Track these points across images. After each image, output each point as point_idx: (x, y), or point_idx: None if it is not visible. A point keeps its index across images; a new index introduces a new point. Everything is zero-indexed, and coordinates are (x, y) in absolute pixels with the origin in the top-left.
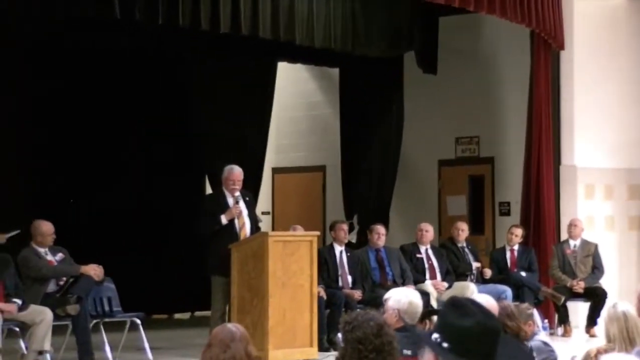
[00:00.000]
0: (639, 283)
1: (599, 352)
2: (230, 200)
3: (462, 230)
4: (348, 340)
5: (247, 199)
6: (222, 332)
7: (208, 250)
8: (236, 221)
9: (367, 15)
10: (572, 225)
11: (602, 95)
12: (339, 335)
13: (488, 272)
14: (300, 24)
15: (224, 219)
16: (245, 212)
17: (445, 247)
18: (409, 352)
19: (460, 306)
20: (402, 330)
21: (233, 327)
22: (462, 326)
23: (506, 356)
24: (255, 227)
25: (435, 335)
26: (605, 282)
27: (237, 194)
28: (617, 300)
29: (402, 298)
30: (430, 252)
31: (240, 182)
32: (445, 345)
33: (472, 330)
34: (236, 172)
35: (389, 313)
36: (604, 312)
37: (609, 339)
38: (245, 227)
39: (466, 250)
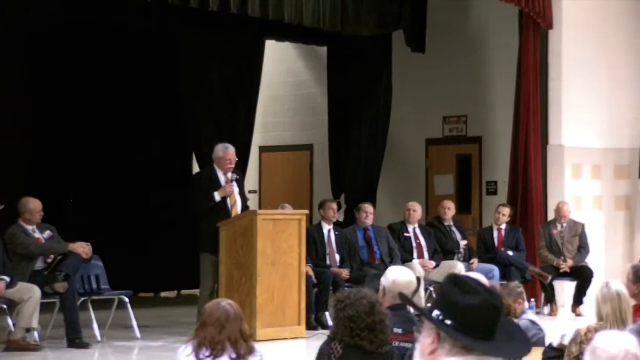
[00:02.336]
0: (626, 263)
1: (589, 331)
2: (223, 178)
3: (449, 209)
4: (340, 318)
5: (238, 177)
6: (217, 311)
7: (199, 227)
8: (228, 199)
9: None
10: (559, 210)
11: (590, 75)
12: (327, 314)
13: (475, 263)
14: (289, 2)
15: (217, 197)
16: (236, 190)
17: (433, 226)
18: (399, 331)
19: (463, 284)
20: (393, 309)
21: (228, 305)
22: (467, 304)
23: (505, 332)
24: (245, 205)
25: (436, 313)
26: (591, 262)
27: (230, 173)
28: (604, 279)
29: (388, 276)
30: (418, 231)
31: (235, 161)
32: (448, 322)
33: (478, 308)
34: (232, 151)
35: (380, 291)
36: (592, 292)
37: (601, 318)
38: (236, 206)
39: (453, 228)
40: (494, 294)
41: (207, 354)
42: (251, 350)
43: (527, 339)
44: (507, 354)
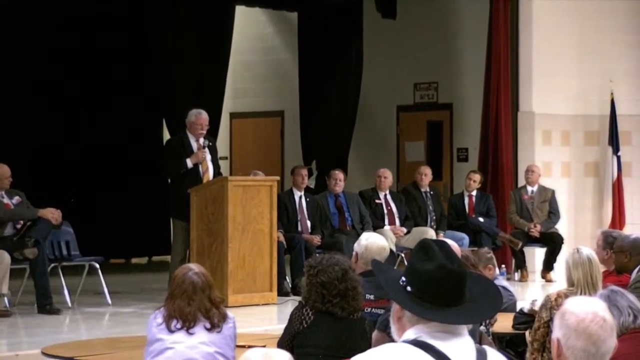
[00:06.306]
0: (594, 229)
1: (559, 296)
2: (195, 144)
3: (425, 175)
4: (312, 284)
5: (211, 144)
6: (184, 282)
7: (170, 194)
8: (200, 166)
9: None
10: (529, 171)
11: (560, 42)
12: (304, 279)
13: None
14: None
15: (189, 163)
16: (208, 157)
17: (408, 192)
18: (371, 297)
19: (426, 249)
20: (366, 275)
21: (194, 275)
22: (423, 270)
23: (472, 297)
24: (217, 172)
25: (403, 279)
26: (560, 228)
27: (202, 138)
28: (572, 246)
29: (361, 242)
30: (389, 197)
31: (207, 127)
32: (409, 289)
33: (432, 273)
34: (204, 116)
35: (353, 257)
36: (562, 257)
37: (572, 284)
38: (208, 172)
39: (429, 195)
40: (452, 259)
41: (179, 326)
42: (224, 317)
43: (497, 300)
44: (467, 321)
